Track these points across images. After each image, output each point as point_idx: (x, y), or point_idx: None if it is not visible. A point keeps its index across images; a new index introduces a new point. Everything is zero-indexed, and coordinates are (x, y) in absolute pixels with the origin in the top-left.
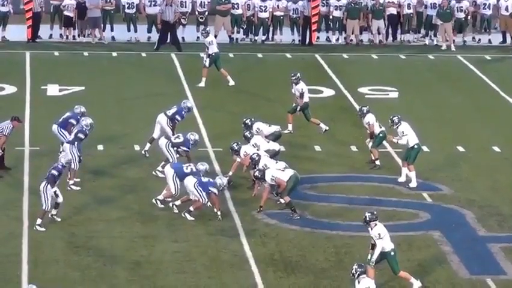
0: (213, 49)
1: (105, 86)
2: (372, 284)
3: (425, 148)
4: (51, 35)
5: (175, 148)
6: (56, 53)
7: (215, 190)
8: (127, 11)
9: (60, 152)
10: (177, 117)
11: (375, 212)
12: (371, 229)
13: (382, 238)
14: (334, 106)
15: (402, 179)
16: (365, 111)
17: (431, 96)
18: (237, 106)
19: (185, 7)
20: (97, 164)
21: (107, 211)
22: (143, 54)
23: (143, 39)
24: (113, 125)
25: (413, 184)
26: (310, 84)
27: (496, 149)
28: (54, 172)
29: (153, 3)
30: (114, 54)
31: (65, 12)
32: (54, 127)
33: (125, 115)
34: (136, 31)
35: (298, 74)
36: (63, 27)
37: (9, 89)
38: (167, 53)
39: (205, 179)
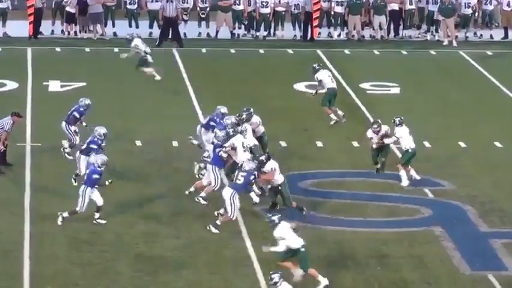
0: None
1: (107, 81)
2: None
3: (426, 144)
4: (53, 31)
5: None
6: (58, 49)
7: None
8: (128, 6)
9: (64, 149)
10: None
11: (280, 215)
12: (274, 231)
13: (284, 239)
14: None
15: (404, 183)
16: (316, 68)
17: (432, 92)
18: (237, 101)
19: (187, 3)
20: None
21: (108, 207)
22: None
23: (145, 35)
24: (114, 121)
25: (404, 183)
26: (312, 79)
27: (498, 144)
28: (96, 176)
29: None
30: (116, 50)
31: (67, 8)
32: (63, 124)
33: (127, 111)
34: (137, 27)
35: (316, 65)
36: (65, 23)
37: (11, 85)
38: (169, 48)
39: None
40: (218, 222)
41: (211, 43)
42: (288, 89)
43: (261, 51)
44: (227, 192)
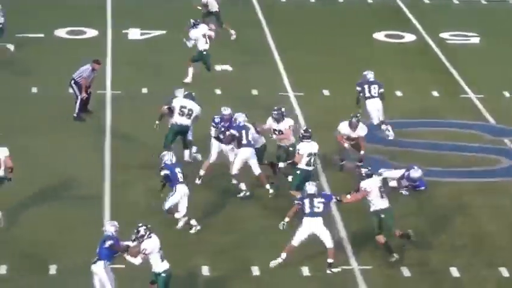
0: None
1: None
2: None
3: (506, 94)
4: None
5: None
6: None
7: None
8: None
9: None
10: None
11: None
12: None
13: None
14: (414, 51)
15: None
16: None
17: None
18: (316, 52)
19: None
20: None
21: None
22: None
23: None
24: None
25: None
26: (391, 29)
27: None
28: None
29: None
30: None
31: None
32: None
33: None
34: None
35: None
36: None
37: (91, 33)
38: None
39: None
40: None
41: None
42: (367, 39)
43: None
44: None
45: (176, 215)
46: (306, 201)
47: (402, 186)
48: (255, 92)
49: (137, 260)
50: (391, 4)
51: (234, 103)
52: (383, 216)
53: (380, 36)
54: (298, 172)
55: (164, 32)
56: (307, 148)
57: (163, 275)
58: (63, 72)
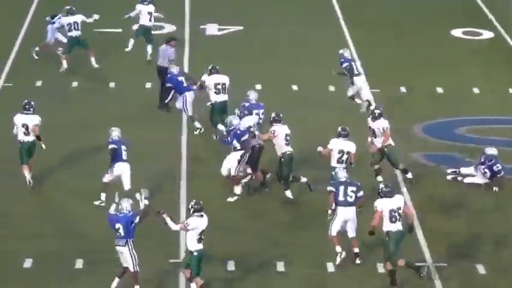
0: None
1: (263, 25)
2: None
3: None
4: None
5: None
6: None
7: None
8: None
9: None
10: None
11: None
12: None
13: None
14: (492, 48)
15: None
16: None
17: None
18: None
19: None
20: None
21: None
22: None
23: None
24: (269, 63)
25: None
26: (469, 26)
27: None
28: None
29: None
30: None
31: None
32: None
33: (280, 53)
34: None
35: None
36: None
37: (169, 28)
38: None
39: None
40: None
41: None
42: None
43: None
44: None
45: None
46: (341, 188)
47: (482, 173)
48: (331, 88)
49: (175, 227)
50: (469, 1)
51: (310, 101)
52: (387, 239)
53: (457, 33)
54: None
55: (241, 27)
56: (339, 145)
57: (195, 254)
58: (140, 67)
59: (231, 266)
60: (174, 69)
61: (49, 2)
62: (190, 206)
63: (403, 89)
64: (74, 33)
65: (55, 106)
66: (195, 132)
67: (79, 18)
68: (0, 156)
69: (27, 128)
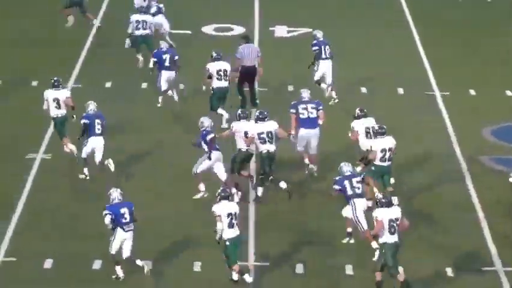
0: None
1: (333, 28)
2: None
3: None
4: None
5: None
6: None
7: None
8: None
9: None
10: None
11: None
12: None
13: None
14: None
15: None
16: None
17: None
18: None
19: None
20: None
21: None
22: None
23: None
24: (338, 64)
25: None
26: None
27: None
28: None
29: None
30: None
31: None
32: None
33: (347, 57)
34: None
35: None
36: None
37: (238, 30)
38: None
39: None
40: None
41: None
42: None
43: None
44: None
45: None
46: (347, 183)
47: None
48: (400, 91)
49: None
50: None
51: (379, 102)
52: (383, 251)
53: None
54: (373, 168)
55: (310, 30)
56: (381, 144)
57: (227, 243)
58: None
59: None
60: (163, 45)
61: (118, 3)
62: (217, 193)
63: (472, 92)
64: (141, 31)
65: (123, 106)
66: (158, 105)
67: (148, 18)
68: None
69: (58, 102)
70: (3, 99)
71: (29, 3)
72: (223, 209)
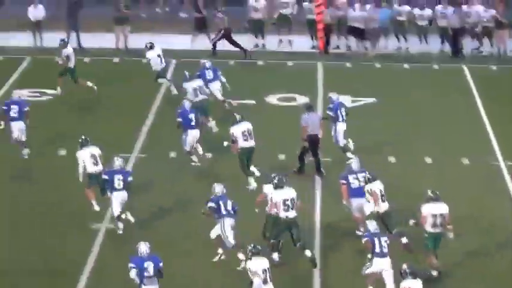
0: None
1: (396, 97)
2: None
3: None
4: (338, 46)
5: None
6: (348, 64)
7: None
8: (418, 22)
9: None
10: None
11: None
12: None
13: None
14: None
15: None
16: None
17: None
18: None
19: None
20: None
21: None
22: (435, 67)
23: (435, 51)
24: (405, 135)
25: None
26: None
27: None
28: None
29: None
30: (405, 66)
31: (355, 24)
32: None
33: (417, 125)
34: (426, 42)
35: None
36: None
37: (301, 100)
38: (459, 65)
39: None
40: None
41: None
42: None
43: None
44: None
45: None
46: (376, 240)
47: None
48: (465, 161)
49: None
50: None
51: (440, 171)
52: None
53: None
54: (426, 235)
55: (374, 99)
56: (431, 209)
57: None
58: (273, 138)
59: None
60: (187, 104)
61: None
62: (248, 250)
63: None
64: (201, 97)
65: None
66: (192, 164)
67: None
68: None
69: (95, 158)
70: None
71: None
72: (258, 265)
